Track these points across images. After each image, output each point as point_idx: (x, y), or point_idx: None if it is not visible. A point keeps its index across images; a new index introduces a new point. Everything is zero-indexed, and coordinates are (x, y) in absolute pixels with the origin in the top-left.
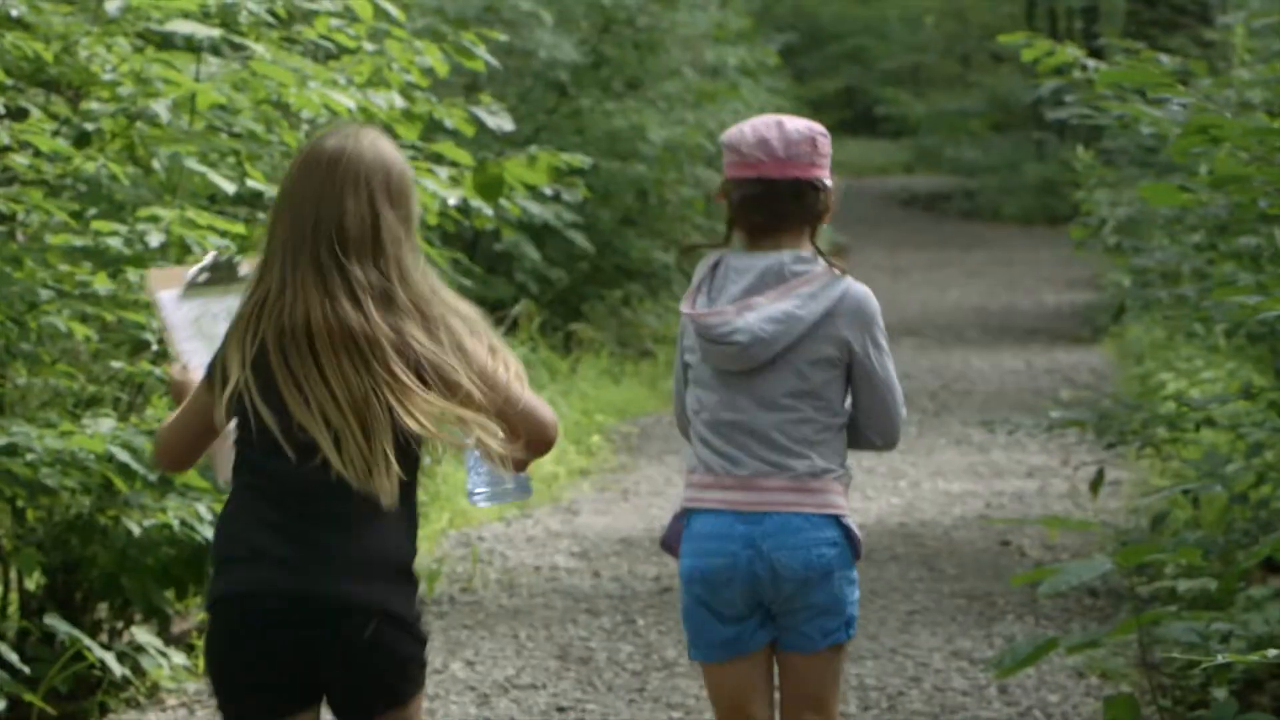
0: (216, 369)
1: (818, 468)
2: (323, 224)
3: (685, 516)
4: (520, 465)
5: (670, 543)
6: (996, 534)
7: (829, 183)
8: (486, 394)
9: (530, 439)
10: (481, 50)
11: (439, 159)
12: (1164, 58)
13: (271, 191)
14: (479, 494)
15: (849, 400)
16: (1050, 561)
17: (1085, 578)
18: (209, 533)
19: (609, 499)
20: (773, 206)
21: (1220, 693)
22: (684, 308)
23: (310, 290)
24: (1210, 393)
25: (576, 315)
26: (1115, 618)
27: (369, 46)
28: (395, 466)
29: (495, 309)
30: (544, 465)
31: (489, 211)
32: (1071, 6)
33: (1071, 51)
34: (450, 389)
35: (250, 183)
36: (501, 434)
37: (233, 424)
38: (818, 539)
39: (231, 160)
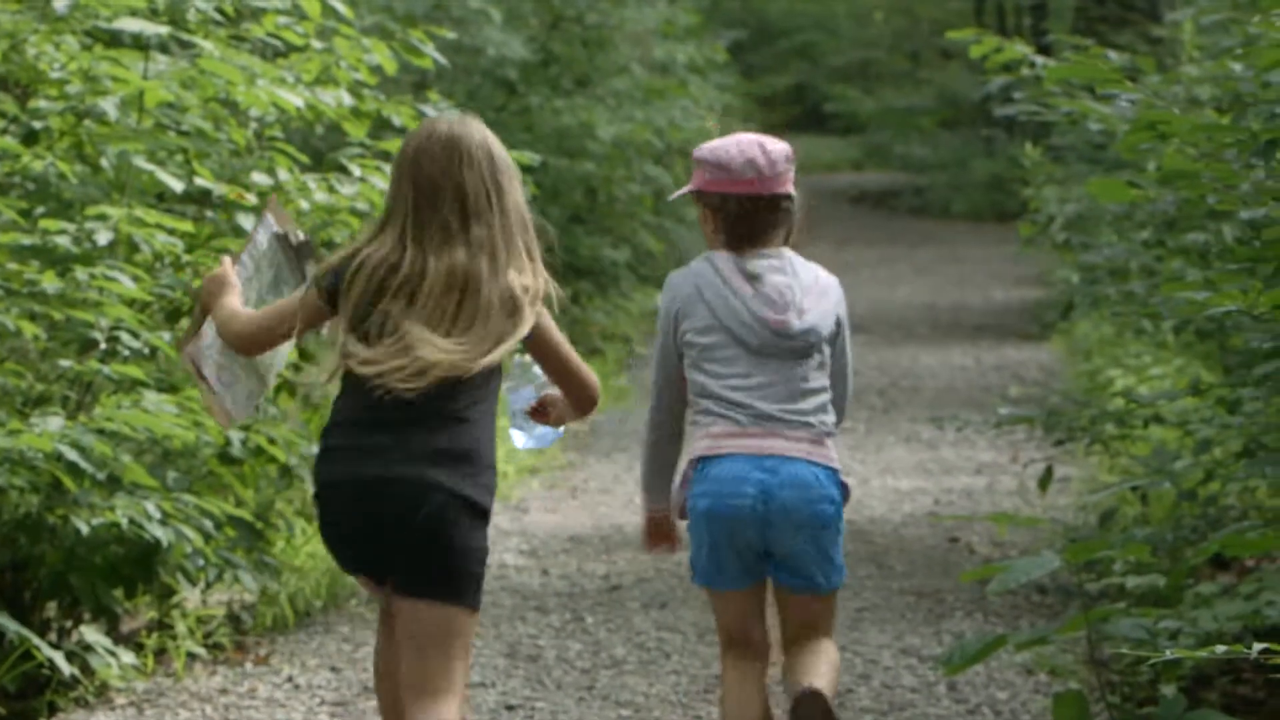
0: (340, 294)
1: (828, 428)
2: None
3: (699, 464)
4: (560, 421)
5: (678, 508)
6: (945, 531)
7: (793, 191)
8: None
9: (578, 397)
10: (430, 48)
11: (387, 157)
12: (1112, 54)
13: (219, 189)
14: (520, 437)
15: None
16: (999, 558)
17: (1034, 574)
18: (158, 531)
19: (558, 497)
20: (760, 218)
21: (1169, 689)
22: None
23: (425, 244)
24: (1159, 389)
25: None
26: (1064, 614)
27: (317, 44)
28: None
29: None
30: None
31: None
32: (1020, 3)
33: (1020, 48)
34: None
35: (198, 180)
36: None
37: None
38: (823, 495)
39: (180, 158)
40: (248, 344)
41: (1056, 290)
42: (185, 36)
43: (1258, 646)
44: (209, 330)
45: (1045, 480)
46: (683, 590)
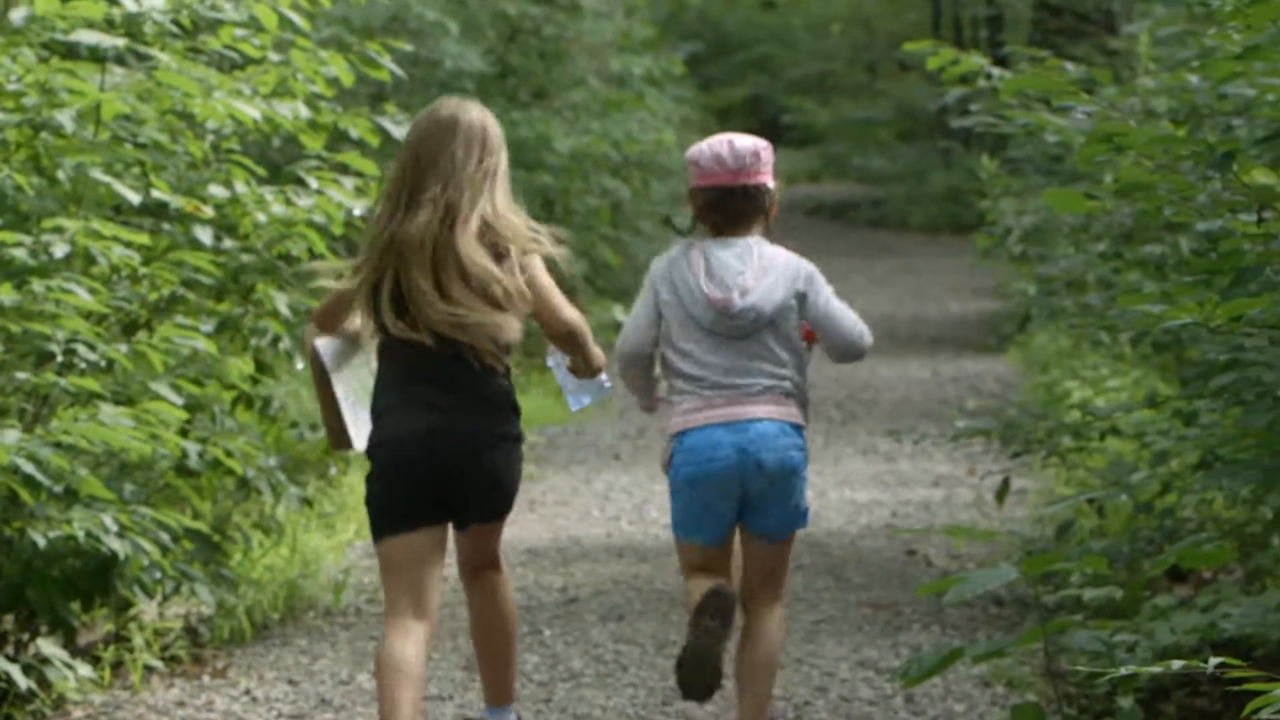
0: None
1: (788, 388)
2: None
3: (677, 438)
4: (588, 369)
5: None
6: (903, 543)
7: (772, 185)
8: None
9: (554, 335)
10: (387, 60)
11: (344, 169)
12: (1069, 66)
13: (176, 202)
14: (570, 396)
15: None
16: (956, 570)
17: (991, 587)
18: (115, 544)
19: (515, 509)
20: (729, 206)
21: (1126, 702)
22: (682, 281)
23: (426, 217)
24: (1115, 401)
25: None
26: (1021, 627)
27: (274, 56)
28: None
29: None
30: None
31: None
32: (977, 15)
33: (976, 60)
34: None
35: (155, 193)
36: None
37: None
38: (790, 444)
39: (137, 170)
40: (320, 318)
41: (1013, 302)
42: (142, 49)
43: (1214, 661)
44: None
45: (1002, 492)
46: (640, 603)
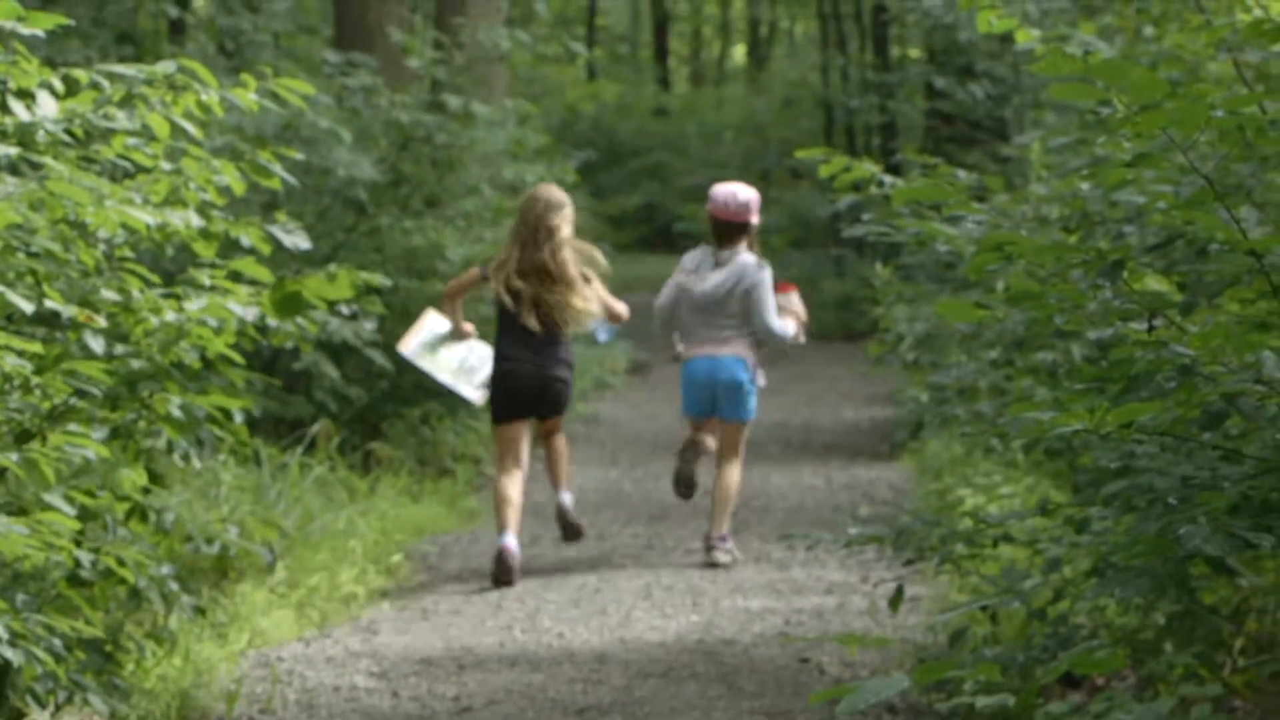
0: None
1: (740, 335)
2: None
3: (684, 363)
4: (616, 321)
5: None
6: (796, 651)
7: (755, 220)
8: (594, 298)
9: (610, 316)
10: (278, 168)
11: (238, 277)
12: (961, 173)
13: (69, 311)
14: (600, 333)
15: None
16: (849, 679)
17: (884, 695)
18: (8, 653)
19: (408, 618)
20: (726, 230)
21: None
22: (685, 279)
23: (530, 251)
24: (1008, 508)
25: (376, 433)
26: None
27: (166, 165)
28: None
29: (294, 428)
30: (344, 586)
31: (288, 329)
32: (870, 123)
33: (868, 167)
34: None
35: (48, 302)
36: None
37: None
38: (737, 367)
39: (29, 279)
40: (451, 291)
41: (906, 409)
42: (35, 158)
43: None
44: (415, 336)
45: (896, 600)
46: (533, 711)
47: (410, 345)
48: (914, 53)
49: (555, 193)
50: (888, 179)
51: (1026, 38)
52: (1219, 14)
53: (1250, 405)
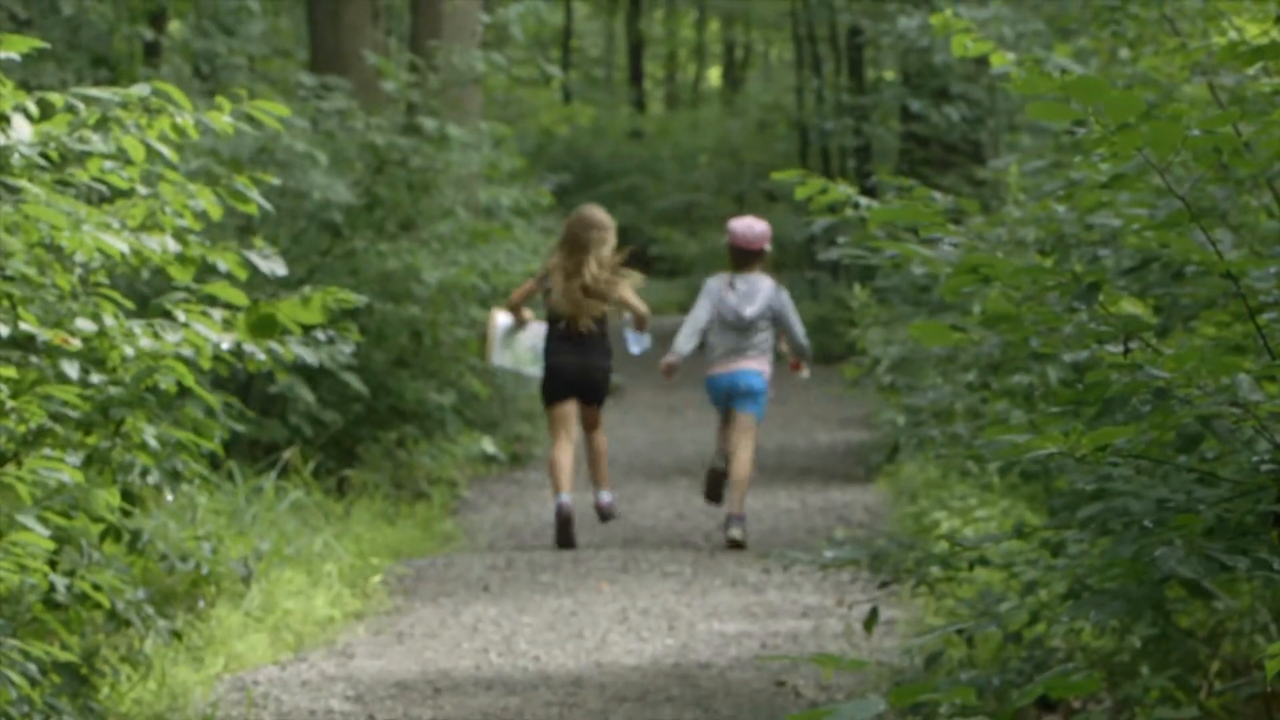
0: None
1: (763, 350)
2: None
3: (709, 376)
4: (642, 326)
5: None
6: (771, 674)
7: (768, 248)
8: (628, 300)
9: (638, 319)
10: (254, 192)
11: (213, 301)
12: (937, 196)
13: (44, 335)
14: (632, 345)
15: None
16: (825, 701)
17: (859, 718)
18: None
19: (384, 642)
20: (744, 257)
21: None
22: (719, 298)
23: (573, 262)
24: (984, 531)
25: (351, 457)
26: None
27: (142, 189)
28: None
29: (269, 451)
30: (319, 610)
31: (261, 356)
32: (845, 145)
33: (844, 189)
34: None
35: (23, 326)
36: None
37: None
38: (755, 377)
39: (5, 303)
40: (514, 301)
41: (882, 432)
42: (10, 181)
43: None
44: (494, 346)
45: (871, 622)
46: None
47: (496, 355)
48: (889, 75)
49: (598, 213)
50: (863, 201)
51: (1002, 61)
52: (1194, 37)
53: (1225, 428)
